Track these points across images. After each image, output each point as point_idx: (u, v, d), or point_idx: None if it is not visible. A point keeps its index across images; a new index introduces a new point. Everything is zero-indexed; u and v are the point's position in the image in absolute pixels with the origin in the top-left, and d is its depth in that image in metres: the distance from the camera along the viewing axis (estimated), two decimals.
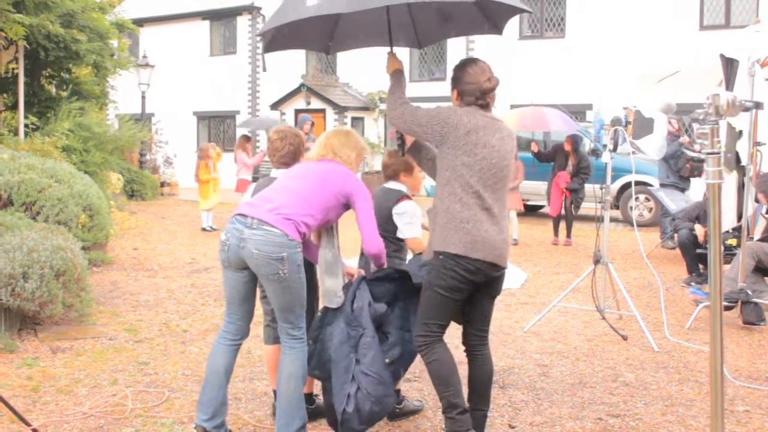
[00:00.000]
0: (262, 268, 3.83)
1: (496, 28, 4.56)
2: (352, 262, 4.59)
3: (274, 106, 25.08)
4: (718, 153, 2.47)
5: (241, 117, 26.48)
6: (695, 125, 2.51)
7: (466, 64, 4.03)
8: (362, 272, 4.37)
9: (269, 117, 23.32)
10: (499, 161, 3.88)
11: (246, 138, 14.39)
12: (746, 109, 2.56)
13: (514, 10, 4.40)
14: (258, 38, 26.70)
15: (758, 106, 2.68)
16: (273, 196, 3.98)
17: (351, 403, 3.98)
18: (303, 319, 4.03)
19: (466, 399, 4.10)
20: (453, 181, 3.85)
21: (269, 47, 4.53)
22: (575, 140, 12.48)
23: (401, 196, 4.59)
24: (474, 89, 3.94)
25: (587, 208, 13.75)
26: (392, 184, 4.67)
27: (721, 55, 6.40)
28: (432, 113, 3.90)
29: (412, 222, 4.56)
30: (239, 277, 4.00)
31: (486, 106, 3.98)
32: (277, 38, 4.42)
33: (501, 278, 4.07)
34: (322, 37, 4.77)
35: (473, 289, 3.95)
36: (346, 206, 4.09)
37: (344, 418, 3.99)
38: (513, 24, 20.68)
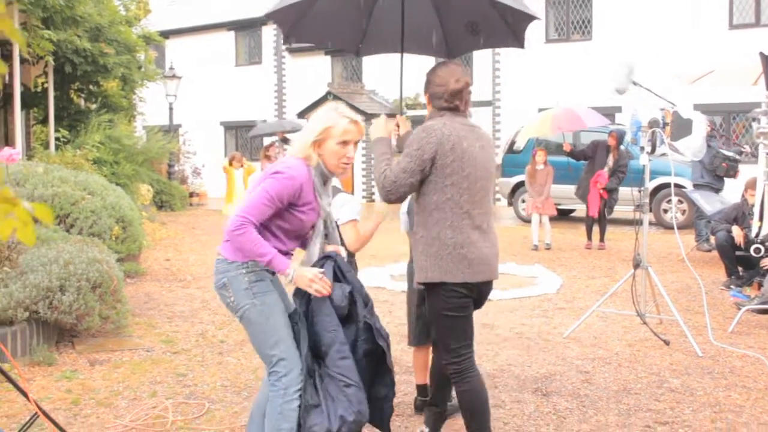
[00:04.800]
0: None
1: (518, 41, 4.64)
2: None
3: (301, 114, 25.09)
4: None
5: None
6: (754, 124, 2.43)
7: (437, 68, 3.87)
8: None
9: (289, 120, 22.56)
10: (483, 172, 3.76)
11: (266, 147, 13.56)
12: None
13: (528, 17, 4.46)
14: (274, 30, 26.61)
15: None
16: None
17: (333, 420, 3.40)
18: (282, 364, 3.43)
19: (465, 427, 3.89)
20: (443, 205, 3.67)
21: (292, 32, 4.49)
22: (620, 135, 11.94)
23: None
24: (442, 92, 3.78)
25: (617, 211, 13.56)
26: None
27: (761, 53, 6.28)
28: (415, 154, 3.64)
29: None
30: None
31: (456, 109, 3.80)
32: (305, 25, 4.37)
33: (490, 290, 3.95)
34: (352, 36, 4.73)
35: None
36: (292, 204, 3.43)
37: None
38: (539, 28, 20.53)
